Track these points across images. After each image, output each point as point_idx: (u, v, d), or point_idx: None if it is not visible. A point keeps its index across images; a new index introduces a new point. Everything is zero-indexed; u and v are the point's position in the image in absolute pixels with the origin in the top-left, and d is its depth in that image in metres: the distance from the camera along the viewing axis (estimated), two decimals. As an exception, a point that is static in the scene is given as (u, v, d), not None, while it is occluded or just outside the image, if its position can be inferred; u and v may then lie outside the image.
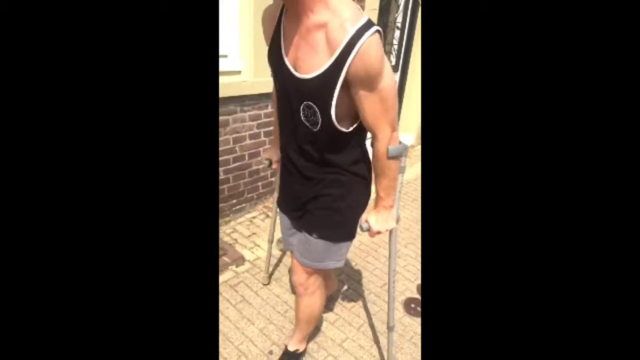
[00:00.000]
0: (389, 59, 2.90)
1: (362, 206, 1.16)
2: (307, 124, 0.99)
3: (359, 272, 2.09)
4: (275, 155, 1.41)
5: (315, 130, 0.98)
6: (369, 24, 0.83)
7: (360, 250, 2.29)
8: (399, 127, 1.02)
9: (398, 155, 1.01)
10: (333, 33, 0.84)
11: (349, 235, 1.17)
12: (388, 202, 1.09)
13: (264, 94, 2.21)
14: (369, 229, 1.10)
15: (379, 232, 1.10)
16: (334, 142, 1.01)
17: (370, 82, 0.87)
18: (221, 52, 2.10)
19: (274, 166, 1.42)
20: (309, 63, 0.90)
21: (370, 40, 0.82)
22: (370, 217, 1.10)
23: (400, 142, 1.01)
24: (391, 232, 1.19)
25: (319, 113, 0.94)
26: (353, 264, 2.16)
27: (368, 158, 1.13)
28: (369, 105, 0.91)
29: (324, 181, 1.09)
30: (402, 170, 1.10)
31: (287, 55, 0.96)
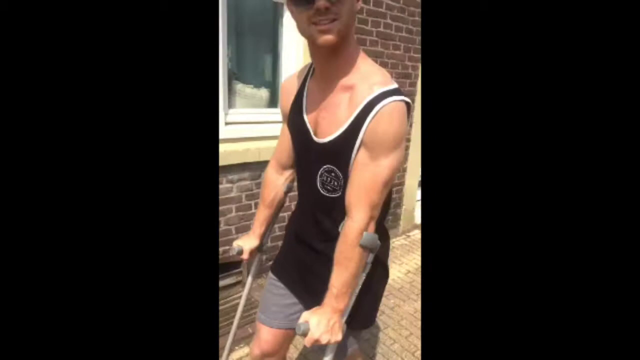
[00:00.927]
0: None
1: (380, 288, 1.03)
2: (323, 191, 0.91)
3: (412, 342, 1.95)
4: (249, 243, 1.15)
5: (334, 197, 0.89)
6: (397, 91, 0.79)
7: (415, 318, 2.15)
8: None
9: (370, 247, 0.85)
10: (358, 92, 0.80)
11: (367, 322, 1.03)
12: (340, 303, 0.84)
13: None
14: (305, 333, 0.82)
15: (317, 342, 0.82)
16: None
17: (374, 149, 0.79)
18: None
19: (245, 257, 1.15)
20: (329, 125, 0.85)
21: (394, 106, 0.77)
22: (312, 318, 0.83)
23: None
24: (328, 346, 0.86)
25: (341, 177, 0.86)
26: (405, 331, 2.03)
27: (387, 240, 1.02)
28: (360, 174, 0.81)
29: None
30: (366, 268, 0.89)
31: (308, 119, 0.91)
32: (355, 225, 0.83)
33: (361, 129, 0.79)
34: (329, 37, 0.76)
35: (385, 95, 0.78)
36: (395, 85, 0.81)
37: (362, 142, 0.80)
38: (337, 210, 0.90)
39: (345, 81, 0.84)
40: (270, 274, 1.14)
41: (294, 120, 0.95)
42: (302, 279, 1.04)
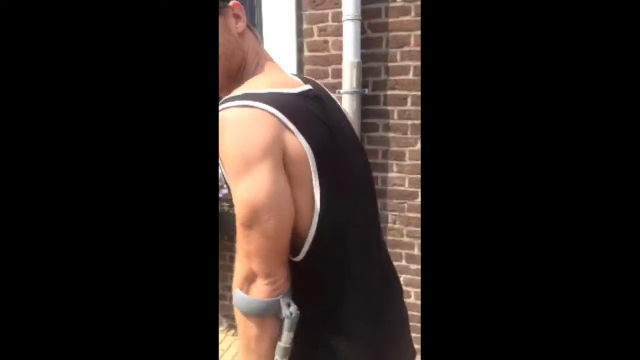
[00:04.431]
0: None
1: None
2: None
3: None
4: None
5: None
6: (239, 97, 0.54)
7: None
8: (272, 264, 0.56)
9: (245, 312, 0.55)
10: None
11: None
12: None
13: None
14: None
15: None
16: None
17: (227, 176, 0.56)
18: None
19: None
20: None
21: (223, 115, 0.53)
22: None
23: (277, 297, 0.55)
24: None
25: None
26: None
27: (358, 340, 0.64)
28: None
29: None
30: (282, 353, 0.57)
31: None
32: (235, 280, 0.58)
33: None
34: None
35: (223, 104, 0.56)
36: (243, 91, 0.56)
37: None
38: None
39: None
40: None
41: None
42: None
